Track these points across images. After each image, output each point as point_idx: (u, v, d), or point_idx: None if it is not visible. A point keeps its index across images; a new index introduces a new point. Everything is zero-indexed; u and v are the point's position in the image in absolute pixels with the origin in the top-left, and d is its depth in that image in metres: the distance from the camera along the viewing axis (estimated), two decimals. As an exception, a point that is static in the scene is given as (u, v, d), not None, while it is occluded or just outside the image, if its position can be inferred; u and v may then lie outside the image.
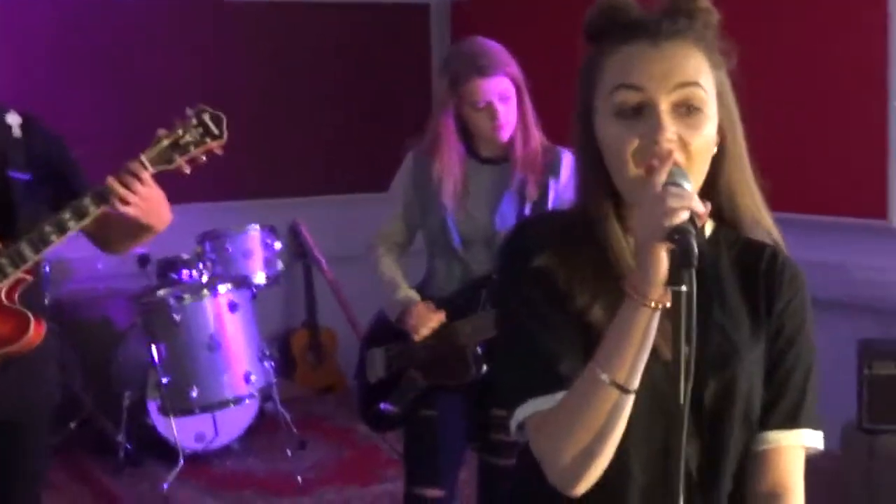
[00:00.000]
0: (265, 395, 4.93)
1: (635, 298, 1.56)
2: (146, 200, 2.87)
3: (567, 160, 3.49)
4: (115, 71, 6.04)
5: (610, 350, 1.59)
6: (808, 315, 1.77)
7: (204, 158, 2.94)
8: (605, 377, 1.58)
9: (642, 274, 1.55)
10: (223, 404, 4.74)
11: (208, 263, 5.09)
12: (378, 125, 6.69)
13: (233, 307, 4.71)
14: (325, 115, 6.49)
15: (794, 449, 1.73)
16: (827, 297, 4.61)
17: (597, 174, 1.69)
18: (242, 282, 4.86)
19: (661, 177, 1.56)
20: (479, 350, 3.46)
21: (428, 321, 3.48)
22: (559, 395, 1.63)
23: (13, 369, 2.99)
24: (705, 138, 1.63)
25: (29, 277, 3.00)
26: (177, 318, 4.57)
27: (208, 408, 4.68)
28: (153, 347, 4.66)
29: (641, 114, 1.62)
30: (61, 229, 2.90)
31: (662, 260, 1.53)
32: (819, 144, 4.92)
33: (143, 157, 2.89)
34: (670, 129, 1.60)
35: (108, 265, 5.34)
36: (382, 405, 3.60)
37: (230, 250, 5.11)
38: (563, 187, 3.48)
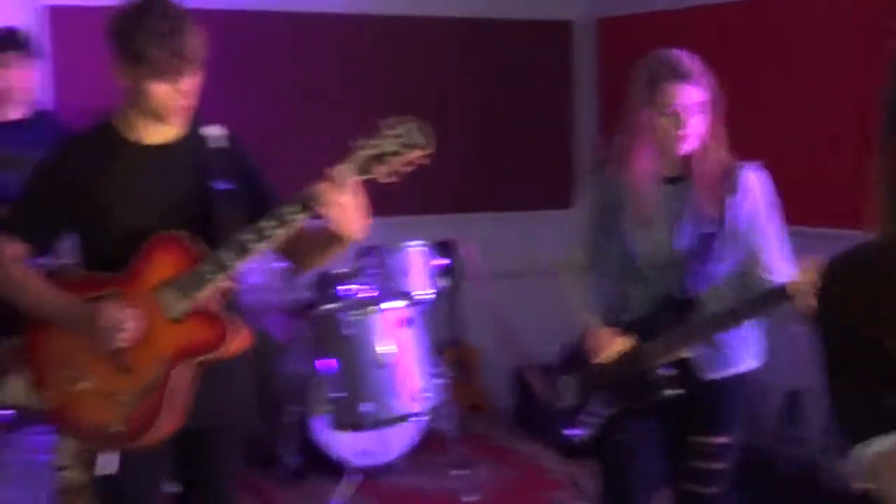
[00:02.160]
0: (436, 413, 4.89)
1: None
2: (347, 207, 2.87)
3: (749, 176, 3.40)
4: (299, 84, 6.16)
5: None
6: None
7: (407, 168, 2.91)
8: None
9: None
10: (394, 421, 4.71)
11: (369, 278, 5.08)
12: (524, 142, 6.69)
13: (405, 323, 4.69)
14: (479, 132, 6.51)
15: None
16: None
17: None
18: (414, 298, 4.83)
19: None
20: (664, 373, 3.40)
21: (607, 345, 3.43)
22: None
23: (212, 376, 3.03)
24: None
25: (232, 285, 3.04)
26: (348, 333, 4.55)
27: (379, 424, 4.66)
28: (322, 362, 4.66)
29: None
30: (262, 237, 2.92)
31: None
32: None
33: (341, 168, 2.89)
34: None
35: (259, 278, 5.37)
36: (569, 431, 3.55)
37: (390, 266, 5.10)
38: (742, 205, 3.40)
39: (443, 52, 6.56)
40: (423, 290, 5.12)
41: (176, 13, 2.93)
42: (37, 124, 5.12)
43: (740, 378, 3.48)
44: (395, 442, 5.19)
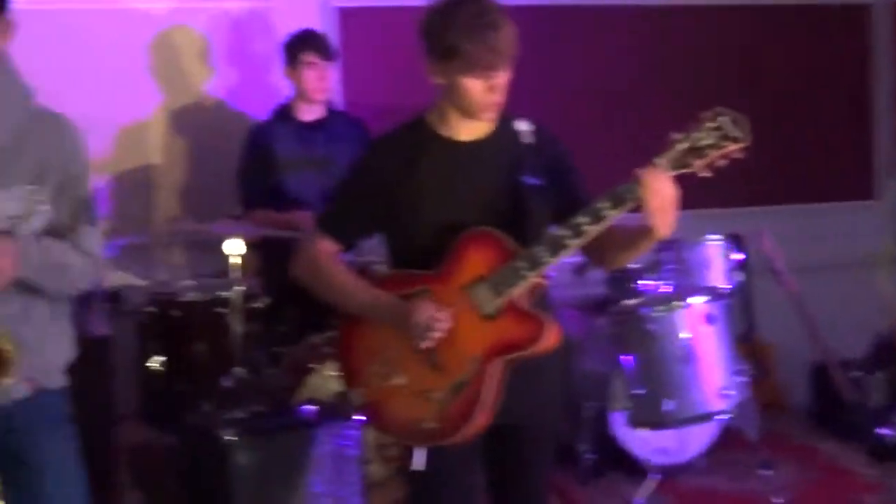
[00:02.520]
0: (738, 411, 4.77)
1: None
2: (664, 203, 2.82)
3: None
4: (598, 78, 6.21)
5: None
6: None
7: (723, 162, 2.84)
8: None
9: None
10: (697, 419, 4.62)
11: (667, 273, 4.99)
12: (820, 132, 6.49)
13: (709, 319, 4.59)
14: (772, 122, 6.32)
15: None
16: None
17: None
18: (715, 293, 4.72)
19: None
20: None
21: None
22: None
23: (524, 373, 3.01)
24: None
25: (544, 282, 3.03)
26: (651, 328, 4.49)
27: (682, 422, 4.58)
28: (623, 358, 4.61)
29: None
30: (578, 233, 2.89)
31: None
32: None
33: (659, 161, 2.84)
34: None
35: (550, 274, 5.36)
36: (882, 430, 3.40)
37: (689, 260, 4.98)
38: None
39: (735, 40, 6.45)
40: (722, 284, 4.99)
41: (489, 7, 2.94)
42: (331, 124, 5.27)
43: None
44: (694, 440, 5.08)
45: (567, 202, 3.05)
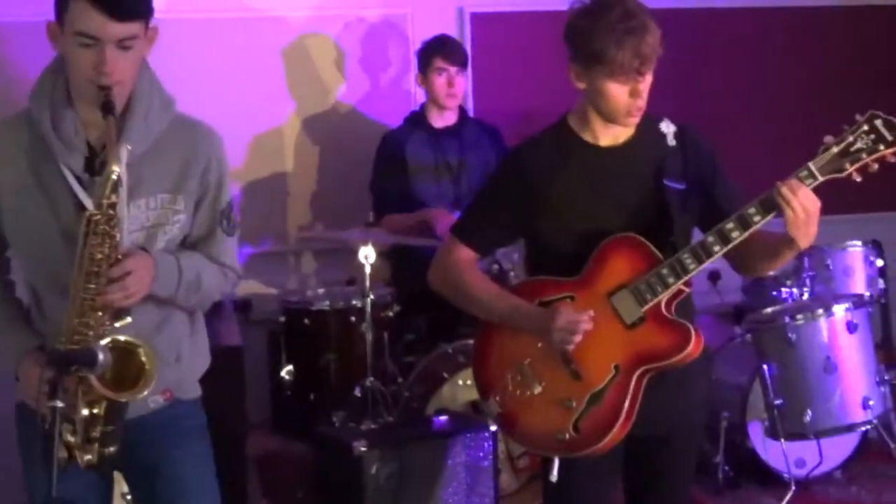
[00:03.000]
0: (883, 423, 4.63)
1: None
2: (809, 212, 2.75)
3: None
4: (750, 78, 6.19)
5: None
6: None
7: (876, 166, 2.78)
8: None
9: None
10: (838, 430, 4.49)
11: (808, 280, 4.88)
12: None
13: (851, 327, 4.46)
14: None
15: None
16: None
17: None
18: (857, 300, 4.60)
19: None
20: None
21: None
22: None
23: (665, 382, 2.95)
24: None
25: (687, 289, 2.97)
26: (792, 337, 4.38)
27: (823, 433, 4.46)
28: (763, 368, 4.51)
29: None
30: (725, 240, 2.84)
31: None
32: None
33: (812, 166, 2.78)
34: None
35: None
36: None
37: (830, 267, 4.87)
38: None
39: (879, 40, 6.34)
40: (864, 291, 4.86)
41: (635, 11, 2.89)
42: (464, 131, 5.27)
43: None
44: (833, 451, 4.94)
45: (713, 206, 3.00)
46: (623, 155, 3.02)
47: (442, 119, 5.25)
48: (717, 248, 2.85)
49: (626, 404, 2.90)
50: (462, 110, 5.31)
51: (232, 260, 2.95)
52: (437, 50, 5.16)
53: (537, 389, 3.01)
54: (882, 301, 5.37)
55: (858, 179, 2.79)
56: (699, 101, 5.90)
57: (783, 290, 4.91)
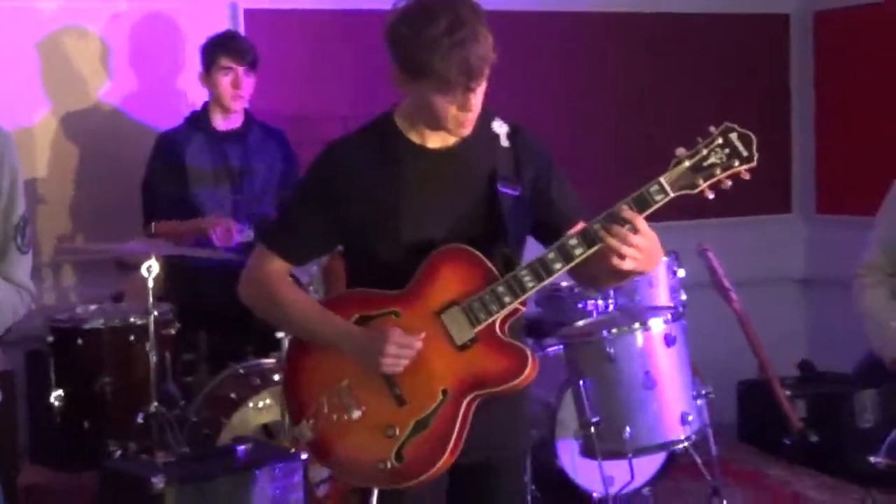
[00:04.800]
0: (700, 438, 4.53)
1: None
2: (641, 251, 2.57)
3: None
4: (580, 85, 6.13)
5: None
6: None
7: (730, 183, 2.63)
8: None
9: None
10: (658, 447, 4.36)
11: (611, 292, 4.74)
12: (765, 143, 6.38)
13: (669, 340, 4.33)
14: (692, 133, 6.20)
15: None
16: None
17: None
18: (677, 313, 4.48)
19: None
20: None
21: None
22: None
23: (493, 405, 2.73)
24: None
25: (522, 308, 2.74)
26: (611, 352, 4.22)
27: (642, 451, 4.30)
28: (578, 383, 4.33)
29: None
30: (567, 258, 2.64)
31: None
32: None
33: (663, 181, 2.61)
34: None
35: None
36: (874, 458, 3.22)
37: (635, 278, 4.73)
38: None
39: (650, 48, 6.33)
40: (668, 303, 4.76)
41: (465, 20, 2.60)
42: (249, 134, 4.93)
43: None
44: (640, 468, 4.82)
45: (549, 214, 2.81)
46: (453, 158, 2.78)
47: (226, 121, 4.88)
48: (558, 266, 2.65)
49: (455, 432, 2.68)
50: (248, 113, 4.94)
51: (26, 279, 2.74)
52: (224, 47, 4.80)
53: (356, 414, 2.75)
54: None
55: (710, 196, 2.65)
56: (537, 107, 5.79)
57: (588, 302, 4.76)
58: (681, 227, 5.65)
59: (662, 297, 4.80)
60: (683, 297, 4.89)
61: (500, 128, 2.79)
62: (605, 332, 4.24)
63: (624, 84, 6.20)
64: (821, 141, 6.50)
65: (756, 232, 6.43)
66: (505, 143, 2.78)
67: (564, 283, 4.87)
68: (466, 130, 2.71)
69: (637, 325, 4.29)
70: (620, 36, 6.20)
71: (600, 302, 4.76)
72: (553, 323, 4.86)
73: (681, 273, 4.90)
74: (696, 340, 5.29)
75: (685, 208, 5.11)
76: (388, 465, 2.70)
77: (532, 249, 2.79)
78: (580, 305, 4.80)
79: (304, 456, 3.75)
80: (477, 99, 2.66)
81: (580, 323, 4.54)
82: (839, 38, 6.32)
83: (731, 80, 6.42)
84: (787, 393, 5.00)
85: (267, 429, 4.30)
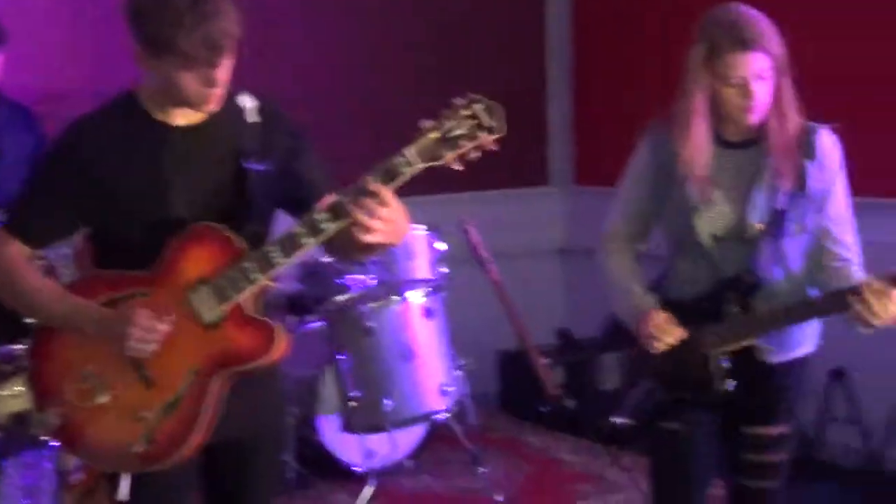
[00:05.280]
0: (460, 409, 4.60)
1: None
2: (389, 223, 2.59)
3: (824, 138, 3.18)
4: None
5: None
6: None
7: (476, 154, 2.63)
8: None
9: None
10: (418, 419, 4.41)
11: (372, 267, 4.76)
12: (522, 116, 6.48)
13: (428, 313, 4.38)
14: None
15: None
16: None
17: None
18: (437, 286, 4.52)
19: None
20: (724, 363, 3.18)
21: (668, 333, 3.18)
22: None
23: (247, 386, 2.72)
24: None
25: (273, 284, 2.73)
26: (369, 325, 4.23)
27: (402, 423, 4.36)
28: (338, 358, 4.33)
29: None
30: (315, 231, 2.62)
31: None
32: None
33: (408, 153, 2.60)
34: None
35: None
36: (615, 418, 3.33)
37: (395, 252, 4.76)
38: (820, 169, 3.17)
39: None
40: (428, 276, 4.81)
41: None
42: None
43: (798, 363, 3.28)
44: (402, 440, 4.88)
45: (298, 188, 2.78)
46: (198, 135, 2.73)
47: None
48: (305, 241, 2.63)
49: (203, 412, 2.66)
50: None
51: None
52: None
53: (103, 399, 2.70)
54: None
55: (459, 167, 2.64)
56: (282, 78, 5.66)
57: (347, 277, 4.77)
58: (442, 201, 5.72)
59: (423, 270, 4.84)
60: (445, 270, 4.95)
61: (247, 102, 2.76)
62: (363, 307, 4.27)
63: (373, 50, 6.14)
64: (578, 114, 6.63)
65: (516, 204, 6.52)
66: (253, 117, 2.74)
67: (326, 259, 4.88)
68: (212, 107, 2.67)
69: (396, 298, 4.33)
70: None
71: (361, 276, 4.76)
72: (315, 299, 4.84)
73: (442, 247, 4.93)
74: (459, 312, 5.40)
75: (446, 182, 5.19)
76: (139, 448, 2.66)
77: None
78: (340, 281, 4.79)
79: (54, 444, 3.67)
80: (222, 74, 2.63)
81: (340, 298, 4.55)
82: (597, 8, 6.45)
83: (487, 49, 6.46)
84: (546, 361, 5.13)
85: (19, 417, 4.18)
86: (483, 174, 6.12)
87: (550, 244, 6.74)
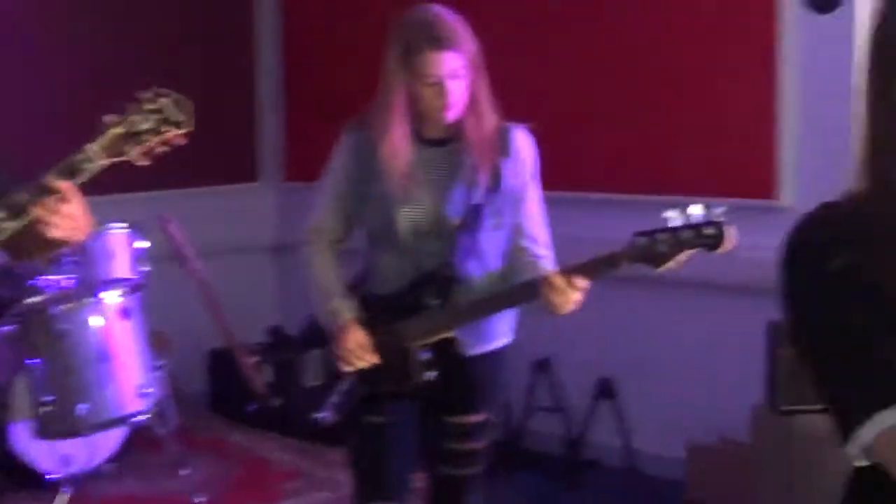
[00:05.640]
0: (158, 411, 4.46)
1: None
2: (70, 219, 2.49)
3: (519, 137, 3.28)
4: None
5: None
6: None
7: (164, 149, 2.57)
8: None
9: None
10: (115, 422, 4.25)
11: (68, 267, 4.56)
12: (206, 112, 6.29)
13: (125, 314, 4.23)
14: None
15: None
16: (732, 282, 4.58)
17: None
18: (129, 285, 4.37)
19: None
20: (425, 355, 3.24)
21: (360, 358, 3.24)
22: None
23: None
24: None
25: None
26: (61, 328, 4.06)
27: (98, 427, 4.19)
28: (29, 363, 4.13)
29: None
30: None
31: None
32: (706, 127, 4.88)
33: (91, 149, 2.51)
34: None
35: None
36: (319, 414, 3.34)
37: (92, 252, 4.58)
38: (515, 167, 3.27)
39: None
40: (128, 275, 4.65)
41: None
42: None
43: (496, 354, 3.38)
44: (102, 445, 4.70)
45: None
46: None
47: None
48: None
49: None
50: None
51: None
52: None
53: None
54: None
55: (146, 163, 2.56)
56: None
57: (41, 278, 4.54)
58: (144, 199, 5.60)
59: (123, 269, 4.67)
60: (147, 268, 4.80)
61: None
62: (55, 309, 4.10)
63: (61, 40, 5.91)
64: (289, 109, 6.59)
65: (224, 201, 6.40)
66: None
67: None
68: None
69: (90, 299, 4.18)
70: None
71: (57, 277, 4.56)
72: (7, 301, 4.61)
73: (143, 245, 4.79)
74: (165, 311, 5.27)
75: (149, 179, 5.08)
76: None
77: None
78: (33, 282, 4.56)
79: None
80: None
81: (31, 300, 4.35)
82: (309, 2, 6.43)
83: (195, 45, 6.34)
84: (254, 360, 5.08)
85: None
86: (192, 171, 6.09)
87: (262, 241, 6.67)
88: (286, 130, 6.62)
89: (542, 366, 5.29)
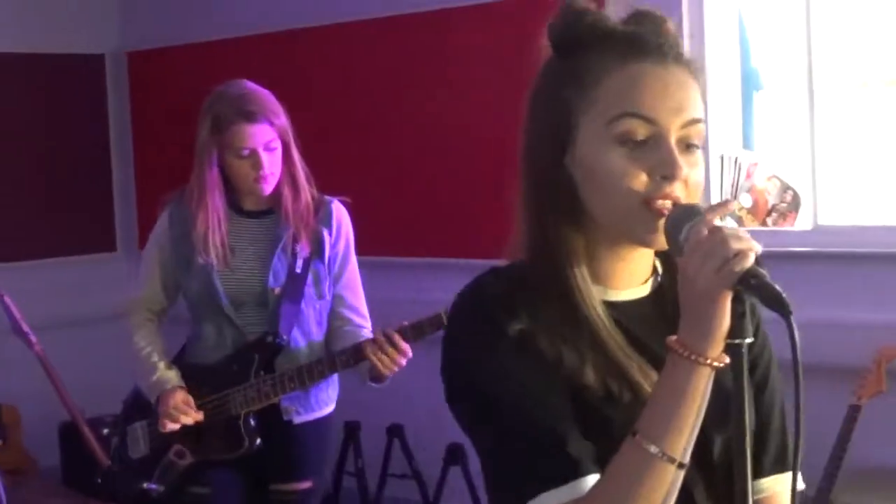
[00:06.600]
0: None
1: (692, 359, 1.36)
2: None
3: (336, 210, 3.35)
4: None
5: (661, 419, 1.38)
6: (773, 353, 1.63)
7: None
8: (656, 451, 1.37)
9: (702, 329, 1.36)
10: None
11: None
12: (62, 184, 6.29)
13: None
14: (12, 177, 6.05)
15: (785, 493, 1.57)
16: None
17: (568, 209, 1.50)
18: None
19: (716, 217, 1.37)
20: (252, 421, 3.28)
21: (184, 414, 3.25)
22: (579, 483, 1.41)
23: None
24: (700, 175, 1.49)
25: None
26: None
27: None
28: None
29: (647, 144, 1.46)
30: None
31: (727, 312, 1.35)
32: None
33: None
34: (684, 167, 1.45)
35: None
36: (147, 485, 3.34)
37: None
38: (334, 238, 3.34)
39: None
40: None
41: None
42: None
43: (321, 421, 3.43)
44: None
45: None
46: None
47: None
48: None
49: None
50: None
51: None
52: None
53: None
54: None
55: None
56: None
57: None
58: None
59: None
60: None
61: None
62: None
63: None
64: (140, 179, 6.58)
65: (81, 271, 6.34)
66: None
67: None
68: None
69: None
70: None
71: None
72: None
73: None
74: (17, 385, 5.23)
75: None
76: None
77: None
78: None
79: None
80: None
81: None
82: (154, 78, 6.42)
83: (51, 123, 6.33)
84: (104, 431, 5.01)
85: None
86: (46, 242, 6.06)
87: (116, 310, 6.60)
88: (139, 199, 6.61)
89: (395, 431, 5.29)
